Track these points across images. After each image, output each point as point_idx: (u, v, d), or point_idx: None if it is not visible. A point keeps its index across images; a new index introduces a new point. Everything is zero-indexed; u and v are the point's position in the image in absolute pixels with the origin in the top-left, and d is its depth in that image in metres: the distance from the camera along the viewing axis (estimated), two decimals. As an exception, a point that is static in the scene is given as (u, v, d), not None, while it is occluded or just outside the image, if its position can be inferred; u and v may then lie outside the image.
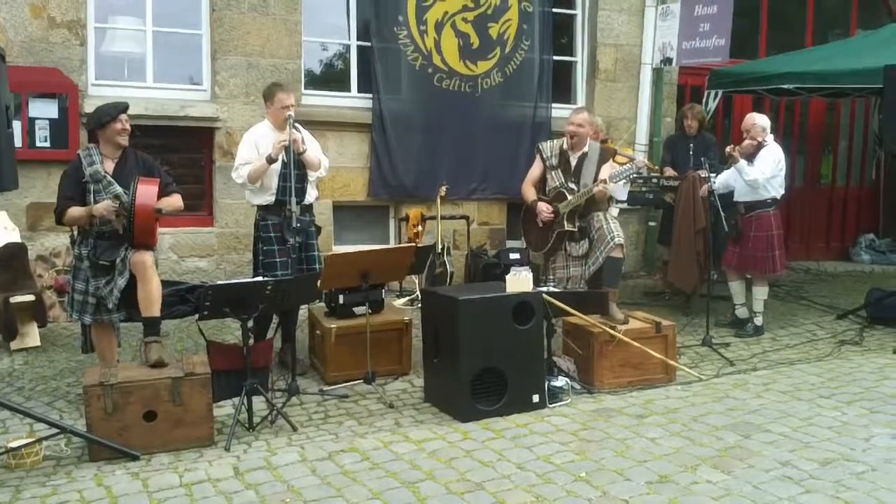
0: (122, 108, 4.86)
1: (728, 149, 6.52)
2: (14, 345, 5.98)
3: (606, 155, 5.97)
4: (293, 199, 5.19)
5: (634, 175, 6.10)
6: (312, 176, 5.64)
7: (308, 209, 5.67)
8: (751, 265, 6.62)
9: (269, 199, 5.51)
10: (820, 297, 8.21)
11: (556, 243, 5.94)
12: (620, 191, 6.87)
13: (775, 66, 7.94)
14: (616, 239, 5.66)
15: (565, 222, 5.85)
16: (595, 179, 5.81)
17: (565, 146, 5.96)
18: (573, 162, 5.92)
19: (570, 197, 5.82)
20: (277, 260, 5.47)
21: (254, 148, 5.48)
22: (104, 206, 4.63)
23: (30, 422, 4.50)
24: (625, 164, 6.26)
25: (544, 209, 5.90)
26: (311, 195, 5.68)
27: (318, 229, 5.84)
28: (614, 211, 6.16)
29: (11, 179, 4.05)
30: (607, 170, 5.87)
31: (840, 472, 3.89)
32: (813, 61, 7.89)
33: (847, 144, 11.21)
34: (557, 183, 5.93)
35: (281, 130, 5.49)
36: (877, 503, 3.56)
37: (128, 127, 4.84)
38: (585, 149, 5.92)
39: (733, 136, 9.32)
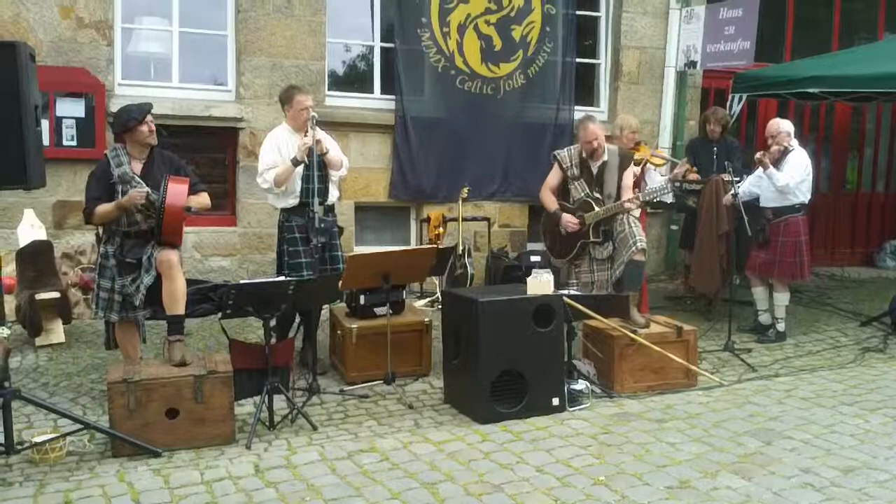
0: (147, 109, 4.88)
1: (758, 155, 6.45)
2: (39, 341, 6.05)
3: (626, 161, 5.93)
4: (316, 200, 5.23)
5: (666, 193, 6.01)
6: (335, 176, 5.68)
7: (331, 210, 5.71)
8: (777, 271, 6.56)
9: (293, 201, 5.55)
10: (844, 304, 8.14)
11: (580, 251, 5.91)
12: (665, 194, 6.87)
13: (801, 70, 7.87)
14: (639, 243, 5.63)
15: (591, 233, 5.81)
16: (618, 186, 5.80)
17: (584, 155, 5.91)
18: (594, 170, 5.89)
19: (597, 208, 5.76)
20: (303, 260, 5.51)
21: (277, 152, 5.51)
22: (132, 195, 4.65)
23: (54, 417, 4.56)
24: (661, 165, 6.29)
25: (571, 221, 5.83)
26: (333, 195, 5.72)
27: (341, 230, 5.87)
28: (636, 212, 6.14)
29: (39, 177, 4.11)
30: (629, 176, 5.86)
31: (862, 480, 3.85)
32: (839, 65, 7.82)
33: (873, 149, 11.09)
34: (582, 193, 5.86)
35: (300, 132, 5.52)
36: (900, 512, 3.53)
37: (153, 127, 4.88)
38: (605, 157, 5.88)
39: (757, 140, 9.28)
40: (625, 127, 6.78)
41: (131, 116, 4.81)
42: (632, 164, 6.00)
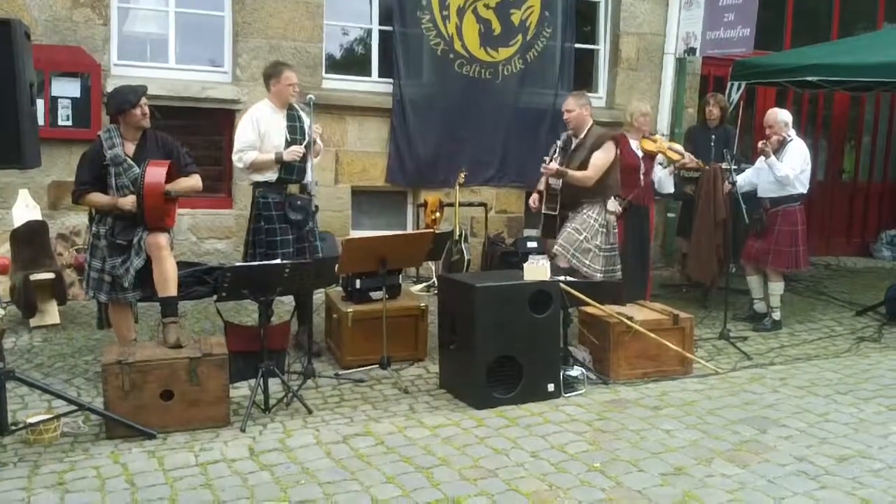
0: (142, 92, 4.85)
1: (761, 144, 6.45)
2: (34, 322, 6.04)
3: (600, 141, 5.91)
4: (313, 184, 5.37)
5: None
6: (316, 160, 5.74)
7: (305, 188, 5.67)
8: (772, 260, 6.56)
9: (271, 176, 5.52)
10: (839, 293, 8.15)
11: (546, 228, 6.13)
12: (667, 182, 6.89)
13: (801, 58, 7.85)
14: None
15: (545, 205, 6.08)
16: (584, 165, 5.85)
17: (570, 132, 6.07)
18: (571, 147, 6.01)
19: None
20: (279, 238, 5.48)
21: (255, 130, 5.48)
22: (130, 203, 4.69)
23: (48, 398, 4.55)
24: (678, 161, 6.58)
25: (531, 199, 6.25)
26: (309, 175, 5.66)
27: (317, 208, 5.83)
28: (612, 205, 6.01)
29: (34, 157, 4.06)
30: (599, 156, 5.84)
31: (856, 468, 3.86)
32: (839, 54, 7.79)
33: (871, 139, 11.09)
34: None
35: (283, 110, 5.56)
36: (893, 500, 3.54)
37: (147, 110, 4.85)
38: (583, 134, 5.95)
39: (755, 128, 9.26)
40: (634, 112, 6.72)
41: (126, 99, 4.79)
42: (607, 144, 5.92)
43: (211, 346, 4.45)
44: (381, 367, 5.25)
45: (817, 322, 7.04)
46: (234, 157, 5.57)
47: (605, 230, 5.95)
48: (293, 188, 5.52)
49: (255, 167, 5.47)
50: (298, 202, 5.40)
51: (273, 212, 5.50)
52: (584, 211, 5.92)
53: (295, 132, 5.52)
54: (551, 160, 5.87)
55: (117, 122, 4.89)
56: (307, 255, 5.53)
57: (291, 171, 5.47)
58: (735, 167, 6.56)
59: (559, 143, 6.16)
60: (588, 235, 5.88)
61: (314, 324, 5.65)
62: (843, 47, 8.26)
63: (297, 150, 5.39)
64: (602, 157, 5.86)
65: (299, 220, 5.48)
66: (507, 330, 4.68)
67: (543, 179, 6.21)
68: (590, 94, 8.84)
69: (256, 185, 5.60)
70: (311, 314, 5.54)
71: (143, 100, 4.83)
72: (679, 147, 6.96)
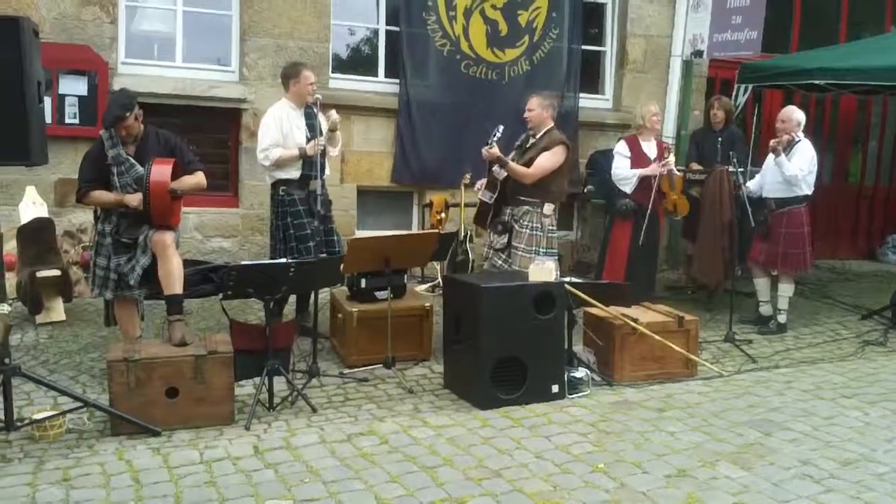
0: (131, 105, 4.79)
1: (773, 142, 6.44)
2: (39, 319, 6.05)
3: (550, 143, 5.84)
4: (325, 176, 5.71)
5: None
6: (333, 151, 6.02)
7: (323, 184, 5.86)
8: (780, 262, 6.54)
9: (294, 173, 5.72)
10: (845, 297, 8.12)
11: (480, 215, 6.19)
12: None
13: (808, 61, 7.81)
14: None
15: (483, 191, 6.09)
16: (528, 162, 5.83)
17: (530, 131, 6.05)
18: (527, 145, 6.02)
19: None
20: (308, 232, 5.69)
21: (279, 128, 5.68)
22: (137, 201, 4.70)
23: (54, 394, 4.56)
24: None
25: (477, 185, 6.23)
26: (327, 171, 5.96)
27: (331, 202, 6.09)
28: (548, 208, 5.89)
29: (41, 153, 4.08)
30: (546, 157, 5.78)
31: (861, 472, 3.85)
32: (847, 57, 7.76)
33: (877, 143, 11.05)
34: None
35: (301, 109, 5.78)
36: (898, 505, 3.54)
37: (132, 129, 4.81)
38: (540, 135, 5.94)
39: (762, 131, 9.25)
40: (645, 114, 6.70)
41: (118, 107, 4.77)
42: (557, 147, 5.83)
43: (216, 344, 4.46)
44: (385, 366, 5.25)
45: (822, 325, 7.02)
46: (260, 156, 5.74)
47: (541, 233, 5.84)
48: (314, 184, 5.69)
49: (279, 164, 5.67)
50: (320, 196, 5.63)
51: (299, 207, 5.72)
52: (527, 217, 5.84)
53: (314, 129, 5.72)
54: (492, 145, 5.78)
55: None
56: (336, 247, 5.86)
57: (312, 166, 5.65)
58: (741, 169, 6.55)
59: (521, 138, 6.13)
60: (529, 247, 5.81)
61: (319, 323, 5.64)
62: (850, 50, 8.24)
63: (318, 144, 5.60)
64: (548, 159, 5.78)
65: (323, 213, 5.73)
66: (511, 331, 4.68)
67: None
68: (597, 96, 8.97)
69: (279, 182, 5.76)
70: (315, 311, 5.53)
71: (127, 121, 4.75)
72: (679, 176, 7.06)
